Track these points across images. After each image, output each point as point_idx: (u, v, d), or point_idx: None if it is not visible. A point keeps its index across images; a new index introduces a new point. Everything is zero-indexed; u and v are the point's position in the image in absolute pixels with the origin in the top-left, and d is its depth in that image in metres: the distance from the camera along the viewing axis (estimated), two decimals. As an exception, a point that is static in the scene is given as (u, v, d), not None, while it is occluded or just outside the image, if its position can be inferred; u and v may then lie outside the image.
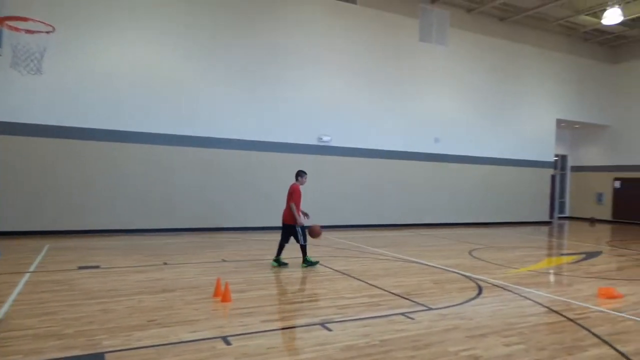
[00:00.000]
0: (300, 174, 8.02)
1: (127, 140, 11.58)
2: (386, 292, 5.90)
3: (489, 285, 6.49)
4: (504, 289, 6.24)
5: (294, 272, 7.08)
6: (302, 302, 5.33)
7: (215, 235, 11.71)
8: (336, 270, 7.32)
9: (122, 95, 11.49)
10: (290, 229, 7.66)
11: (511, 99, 17.86)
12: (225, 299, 5.26)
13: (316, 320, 4.62)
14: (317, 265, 7.63)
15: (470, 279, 6.87)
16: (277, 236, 11.87)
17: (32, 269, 6.89)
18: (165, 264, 7.58)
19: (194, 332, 4.18)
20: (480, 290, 6.16)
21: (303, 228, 7.66)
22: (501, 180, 17.57)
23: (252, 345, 3.86)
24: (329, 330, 4.31)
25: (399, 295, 5.75)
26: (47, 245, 9.21)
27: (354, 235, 12.74)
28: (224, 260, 8.04)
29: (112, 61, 11.42)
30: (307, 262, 7.59)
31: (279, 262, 7.61)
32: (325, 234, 12.52)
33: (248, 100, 13.06)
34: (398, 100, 15.40)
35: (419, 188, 15.68)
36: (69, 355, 3.56)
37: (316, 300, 5.40)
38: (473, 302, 5.54)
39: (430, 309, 5.17)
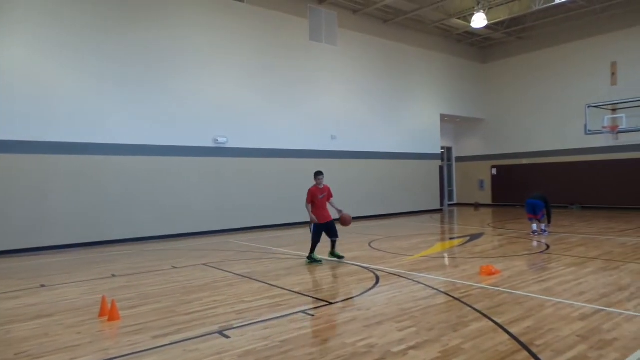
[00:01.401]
0: (314, 175, 8.22)
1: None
2: (287, 292, 5.87)
3: (386, 274, 6.78)
4: (400, 277, 6.56)
5: (192, 281, 6.75)
6: (198, 311, 5.07)
7: (104, 250, 10.77)
8: (237, 275, 7.13)
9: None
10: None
11: (399, 96, 19.00)
12: (112, 317, 4.82)
13: (214, 328, 4.42)
14: (321, 263, 7.91)
15: (369, 270, 7.13)
16: (173, 245, 11.34)
17: None
18: (42, 286, 6.76)
19: (74, 359, 3.75)
20: (377, 279, 6.41)
21: (316, 226, 8.04)
22: (395, 173, 18.62)
23: (141, 365, 3.57)
24: (227, 337, 4.15)
25: (299, 293, 5.75)
26: None
27: (258, 237, 12.58)
28: (113, 275, 7.40)
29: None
30: (311, 259, 7.96)
31: (314, 259, 7.99)
32: (226, 238, 12.26)
33: (135, 103, 12.19)
34: (293, 99, 15.53)
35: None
36: None
37: (214, 308, 5.18)
38: (370, 292, 5.74)
39: (330, 303, 5.24)
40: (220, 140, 13.70)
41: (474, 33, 20.57)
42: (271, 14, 15.06)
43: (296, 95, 15.61)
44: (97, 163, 11.53)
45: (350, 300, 5.38)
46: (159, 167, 12.52)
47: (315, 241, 8.02)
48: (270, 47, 14.99)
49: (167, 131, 12.70)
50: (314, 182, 8.17)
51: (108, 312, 4.90)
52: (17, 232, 10.38)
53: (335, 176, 16.46)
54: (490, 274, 6.43)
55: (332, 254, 8.21)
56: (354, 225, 14.85)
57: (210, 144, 13.59)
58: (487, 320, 4.40)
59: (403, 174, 18.91)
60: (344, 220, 8.31)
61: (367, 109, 17.79)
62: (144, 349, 3.95)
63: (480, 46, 22.61)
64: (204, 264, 8.20)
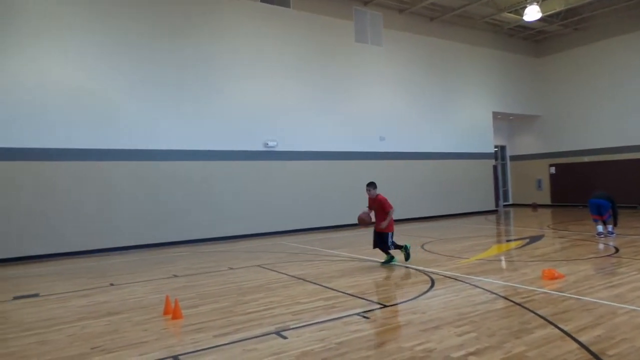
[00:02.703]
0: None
1: (56, 158, 10.89)
2: (341, 294, 5.89)
3: (441, 277, 6.65)
4: (456, 280, 6.41)
5: (248, 282, 6.93)
6: (255, 311, 5.20)
7: (164, 251, 11.29)
8: (291, 276, 7.24)
9: (43, 111, 10.78)
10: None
11: (449, 95, 18.55)
12: (175, 316, 5.05)
13: (271, 329, 4.52)
14: (392, 263, 7.93)
15: (423, 273, 7.01)
16: (227, 246, 11.69)
17: (-42, 304, 6.31)
18: (111, 285, 7.19)
19: (143, 354, 3.97)
20: (432, 283, 6.29)
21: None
22: (447, 173, 18.18)
23: (205, 363, 3.72)
24: (284, 338, 4.23)
25: (354, 296, 5.76)
26: None
27: (308, 238, 12.71)
28: (174, 276, 7.74)
29: (30, 75, 10.73)
30: (401, 249, 8.05)
31: (390, 260, 8.00)
32: (278, 240, 12.49)
33: (187, 110, 12.71)
34: (341, 101, 15.57)
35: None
36: (0, 395, 3.26)
37: (271, 309, 5.30)
38: (426, 295, 5.65)
39: (385, 306, 5.21)
40: (270, 143, 13.98)
41: (526, 27, 19.72)
42: (316, 18, 15.20)
43: (344, 97, 15.65)
44: (154, 168, 12.11)
45: (405, 303, 5.32)
46: (212, 171, 12.96)
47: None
48: (316, 50, 15.13)
49: (220, 136, 13.13)
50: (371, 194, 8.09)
51: (172, 311, 5.14)
52: (86, 234, 11.10)
53: (384, 177, 16.32)
54: (553, 278, 6.13)
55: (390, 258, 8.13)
56: (405, 227, 14.72)
57: (261, 148, 13.90)
58: (552, 327, 4.21)
59: (455, 174, 18.43)
60: (359, 220, 7.99)
61: (415, 109, 17.52)
62: (205, 347, 4.10)
63: (533, 40, 21.63)
64: (258, 266, 8.39)
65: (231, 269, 8.24)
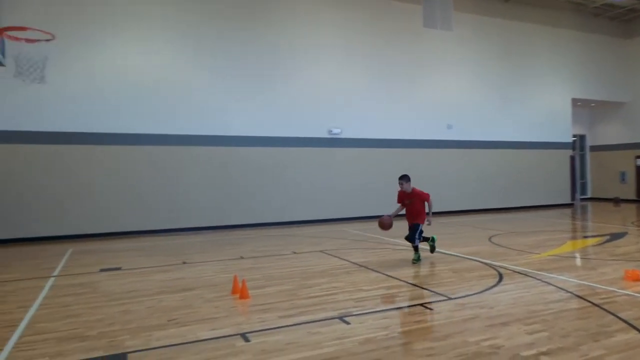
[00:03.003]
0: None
1: (137, 142, 11.70)
2: (404, 283, 5.85)
3: (510, 272, 6.38)
4: (526, 275, 6.13)
5: (312, 267, 7.08)
6: (319, 296, 5.32)
7: (231, 233, 11.80)
8: (353, 263, 7.30)
9: (126, 98, 11.60)
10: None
11: (524, 80, 17.50)
12: (243, 295, 5.29)
13: (334, 314, 4.61)
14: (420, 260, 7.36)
15: (491, 266, 6.77)
16: (291, 231, 11.97)
17: (56, 273, 7.04)
18: (184, 263, 7.66)
19: (213, 330, 4.21)
20: (500, 277, 6.07)
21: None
22: (519, 163, 17.28)
23: (271, 342, 3.87)
24: (347, 323, 4.29)
25: (417, 286, 5.70)
26: (70, 249, 9.41)
27: (371, 226, 12.67)
28: (241, 257, 8.09)
29: (113, 65, 11.53)
30: (428, 240, 7.67)
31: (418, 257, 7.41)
32: (340, 227, 12.58)
33: (255, 97, 13.07)
34: (408, 88, 15.24)
35: (433, 176, 15.51)
36: (93, 356, 3.62)
37: (333, 294, 5.39)
38: (493, 290, 5.46)
39: (450, 298, 5.11)
40: (335, 131, 14.03)
41: (614, 5, 18.01)
42: (383, 3, 14.91)
43: (410, 84, 15.30)
44: (225, 154, 12.63)
45: (471, 296, 5.18)
46: (278, 157, 13.28)
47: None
48: (383, 36, 14.88)
49: (286, 123, 13.40)
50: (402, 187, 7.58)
51: (239, 291, 5.39)
52: (161, 215, 11.88)
53: (450, 167, 15.87)
54: (638, 279, 5.67)
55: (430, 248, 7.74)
56: (472, 218, 14.24)
57: (325, 135, 14.00)
58: (636, 332, 3.91)
59: (527, 164, 17.46)
60: (382, 224, 7.49)
61: (486, 95, 16.73)
62: (271, 327, 4.27)
63: (622, 19, 19.70)
64: (321, 251, 8.54)
65: (295, 253, 8.45)
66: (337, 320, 4.41)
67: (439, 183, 15.55)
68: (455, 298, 5.11)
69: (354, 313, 4.62)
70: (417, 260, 7.29)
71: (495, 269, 6.57)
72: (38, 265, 7.67)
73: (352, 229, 12.18)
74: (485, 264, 7.00)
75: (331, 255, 8.11)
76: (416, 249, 7.43)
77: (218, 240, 10.40)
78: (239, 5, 12.95)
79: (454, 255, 7.84)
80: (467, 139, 16.26)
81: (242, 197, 12.79)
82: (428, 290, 5.50)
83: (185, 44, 12.27)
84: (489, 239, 9.66)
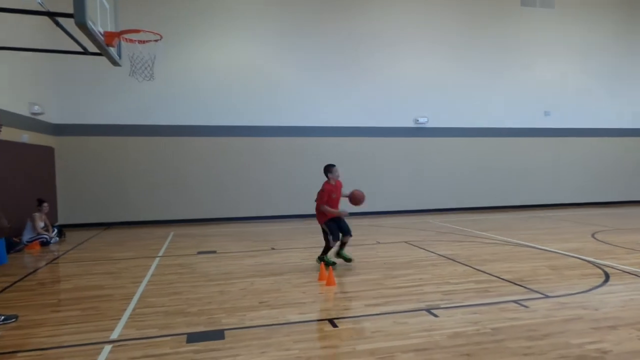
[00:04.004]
0: (329, 170, 6.78)
1: (230, 134, 12.35)
2: (495, 278, 5.58)
3: (618, 271, 5.80)
4: (637, 277, 5.53)
5: (396, 258, 7.02)
6: (405, 287, 5.26)
7: (316, 222, 12.02)
8: (440, 255, 7.10)
9: (218, 93, 12.26)
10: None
11: (637, 60, 15.58)
12: (329, 282, 5.41)
13: (421, 305, 4.54)
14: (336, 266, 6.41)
15: (595, 265, 6.21)
16: (374, 221, 11.93)
17: (160, 253, 7.74)
18: (272, 249, 8.00)
19: (302, 314, 4.36)
20: (607, 277, 5.54)
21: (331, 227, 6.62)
22: (628, 153, 15.53)
23: (358, 329, 3.92)
24: (435, 316, 4.21)
25: (510, 282, 5.40)
26: (172, 232, 10.28)
27: (456, 218, 12.23)
28: (326, 246, 8.23)
29: (211, 61, 12.23)
30: (322, 259, 6.43)
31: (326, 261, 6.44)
32: (424, 218, 12.27)
33: (340, 87, 13.13)
34: (500, 73, 14.34)
35: (528, 166, 14.52)
36: (195, 330, 3.94)
37: (420, 286, 5.30)
38: (599, 290, 5.00)
39: (547, 296, 4.78)
40: (421, 120, 13.67)
41: None
42: (476, -17, 14.12)
43: (504, 68, 14.38)
44: (310, 144, 12.89)
45: (572, 296, 4.80)
46: (362, 147, 13.26)
47: (336, 237, 6.49)
48: (475, 18, 14.12)
49: (371, 113, 13.32)
50: (327, 179, 6.73)
51: (326, 278, 5.51)
52: (249, 203, 12.48)
53: (548, 157, 14.75)
54: None
55: (340, 254, 6.62)
56: (571, 212, 13.11)
57: (411, 124, 13.71)
58: None
59: (636, 153, 15.62)
60: (355, 198, 6.53)
61: (590, 78, 15.19)
62: (358, 314, 4.32)
63: None
64: (406, 242, 8.42)
65: (379, 243, 8.43)
66: (424, 312, 4.34)
67: (533, 174, 14.52)
68: (554, 297, 4.77)
69: (442, 306, 4.51)
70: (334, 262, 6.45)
71: (600, 268, 6.01)
72: (146, 246, 8.48)
73: (437, 220, 11.84)
74: (588, 262, 6.43)
75: (416, 246, 7.97)
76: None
77: (303, 229, 10.69)
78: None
79: (552, 251, 7.29)
80: (567, 127, 14.93)
81: (326, 186, 12.99)
82: (522, 286, 5.19)
83: (273, 38, 12.67)
84: (592, 235, 8.84)
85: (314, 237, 9.34)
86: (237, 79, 12.39)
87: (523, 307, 4.43)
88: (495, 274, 5.77)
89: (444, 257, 6.98)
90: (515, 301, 4.63)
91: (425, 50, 13.78)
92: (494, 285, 5.29)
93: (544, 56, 14.75)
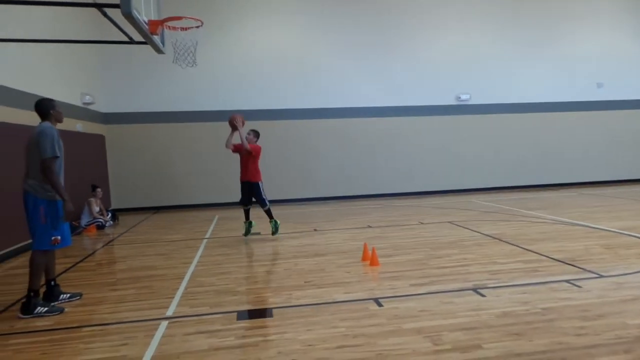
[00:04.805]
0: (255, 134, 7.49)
1: (273, 117, 12.45)
2: (545, 258, 5.42)
3: (680, 250, 5.49)
4: (702, 255, 5.21)
5: (440, 237, 6.94)
6: (450, 267, 5.21)
7: (357, 203, 12.06)
8: (485, 235, 6.96)
9: (259, 77, 12.33)
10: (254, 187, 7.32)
11: None
12: (373, 263, 5.43)
13: (467, 285, 4.49)
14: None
15: (653, 244, 5.90)
16: (416, 201, 11.79)
17: (207, 235, 8.02)
18: (315, 230, 8.10)
19: (347, 293, 4.42)
20: (667, 256, 5.25)
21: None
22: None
23: (403, 308, 3.93)
24: (482, 295, 4.15)
25: (560, 261, 5.23)
26: (216, 215, 10.59)
27: (502, 197, 11.89)
28: (369, 226, 8.25)
29: (252, 45, 12.31)
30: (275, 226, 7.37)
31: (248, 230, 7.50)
32: (467, 198, 12.01)
33: (378, 66, 12.91)
34: (547, 42, 13.65)
35: (578, 142, 13.83)
36: (244, 309, 4.08)
37: (465, 265, 5.23)
38: (658, 269, 4.76)
39: (602, 276, 4.60)
40: (463, 97, 13.26)
41: None
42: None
43: (549, 39, 13.66)
44: (349, 126, 12.83)
45: (629, 275, 4.59)
46: (402, 127, 13.06)
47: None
48: (519, -13, 13.42)
49: (410, 92, 13.05)
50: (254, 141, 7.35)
51: (369, 258, 5.54)
52: (290, 185, 12.63)
53: (600, 131, 14.00)
54: None
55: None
56: (628, 189, 12.40)
57: (452, 102, 13.34)
58: None
59: None
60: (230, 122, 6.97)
61: (648, 45, 14.17)
62: (403, 294, 4.33)
63: None
64: (449, 222, 8.30)
65: (422, 223, 8.35)
66: (470, 291, 4.29)
67: (583, 149, 13.83)
68: (609, 276, 4.58)
69: (489, 285, 4.44)
70: (276, 229, 7.31)
71: (660, 247, 5.70)
72: (193, 229, 8.80)
73: (481, 199, 11.56)
74: (647, 240, 6.11)
75: (460, 226, 7.83)
76: (270, 214, 7.32)
77: (344, 210, 10.74)
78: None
79: (606, 230, 6.98)
80: (622, 99, 14.06)
81: (367, 168, 12.94)
82: (574, 266, 5.02)
83: (311, 19, 12.58)
84: (651, 213, 8.38)
85: (355, 217, 9.38)
86: (276, 63, 12.42)
87: (576, 287, 4.29)
88: (544, 254, 5.60)
89: (490, 236, 6.83)
90: (567, 281, 4.48)
91: (466, 23, 13.27)
92: (543, 264, 5.14)
93: (592, 23, 13.86)
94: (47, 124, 4.24)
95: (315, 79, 12.64)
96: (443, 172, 13.34)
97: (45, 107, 4.27)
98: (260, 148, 7.37)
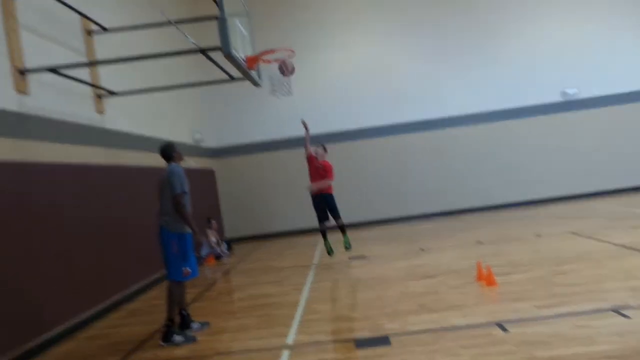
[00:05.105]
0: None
1: (366, 136, 12.51)
2: (701, 269, 4.67)
3: None
4: None
5: (563, 251, 6.35)
6: (579, 284, 4.72)
7: (462, 217, 11.55)
8: (617, 245, 6.21)
9: (348, 96, 12.47)
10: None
11: None
12: (489, 282, 5.12)
13: (604, 305, 4.02)
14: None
15: None
16: (528, 212, 10.93)
17: (315, 261, 8.22)
18: (421, 249, 7.89)
19: (466, 317, 4.21)
20: None
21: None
22: None
23: (531, 333, 3.64)
24: (626, 317, 3.69)
25: None
26: (320, 239, 10.81)
27: (630, 200, 10.56)
28: (479, 242, 7.84)
29: (341, 66, 12.58)
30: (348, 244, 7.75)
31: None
32: (587, 203, 10.83)
33: (470, 71, 12.40)
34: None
35: None
36: (361, 336, 4.08)
37: (598, 282, 4.70)
38: None
39: None
40: (570, 92, 12.15)
41: None
42: None
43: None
44: (444, 136, 12.41)
45: None
46: (501, 131, 12.31)
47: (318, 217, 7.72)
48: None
49: (507, 94, 12.31)
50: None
51: (485, 277, 5.23)
52: (389, 203, 12.47)
53: None
54: None
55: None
56: None
57: (557, 99, 12.29)
58: None
59: None
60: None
61: None
62: (528, 317, 4.01)
63: None
64: (571, 232, 7.56)
65: (539, 236, 7.72)
66: (610, 312, 3.84)
67: None
68: None
69: (632, 305, 3.94)
70: (350, 244, 7.71)
71: None
72: (300, 254, 9.10)
73: (605, 204, 10.38)
74: None
75: (584, 236, 7.09)
76: (344, 228, 7.80)
77: (449, 226, 10.33)
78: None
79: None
80: None
81: (467, 179, 12.35)
82: None
83: (396, 31, 12.52)
84: None
85: (462, 233, 8.98)
86: (365, 80, 12.50)
87: None
88: (698, 264, 4.84)
89: (623, 247, 6.08)
90: None
91: (568, 9, 12.23)
92: (699, 278, 4.44)
93: None
94: (174, 164, 4.81)
95: (404, 91, 12.48)
96: (556, 176, 12.23)
97: (168, 152, 4.87)
98: (332, 167, 7.72)
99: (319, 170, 7.63)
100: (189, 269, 4.62)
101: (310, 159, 7.74)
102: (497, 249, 7.08)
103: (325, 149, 7.81)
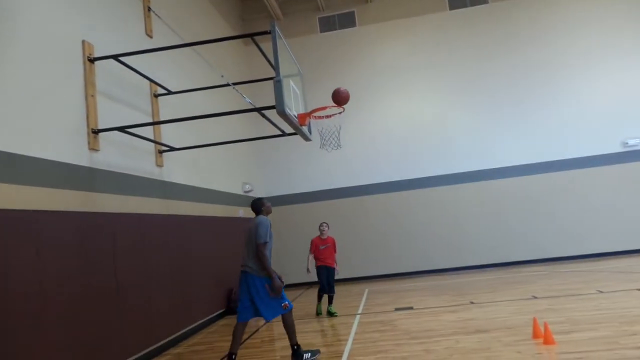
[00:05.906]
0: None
1: (415, 186, 12.44)
2: None
3: None
4: None
5: (630, 309, 5.85)
6: (652, 346, 4.31)
7: (516, 270, 10.99)
8: (694, 305, 5.65)
9: (402, 147, 12.60)
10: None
11: None
12: (547, 341, 4.78)
13: (682, 371, 3.64)
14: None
15: None
16: (588, 265, 10.24)
17: (359, 311, 8.03)
18: (472, 302, 7.54)
19: (521, 377, 3.94)
20: None
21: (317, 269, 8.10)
22: None
23: (597, 399, 3.34)
24: None
25: None
26: (367, 289, 10.61)
27: None
28: (534, 297, 7.39)
29: (390, 120, 12.80)
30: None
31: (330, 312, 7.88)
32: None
33: (524, 122, 12.20)
34: None
35: None
36: (407, 392, 3.90)
37: (674, 345, 4.28)
38: None
39: None
40: (631, 142, 11.63)
41: None
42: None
43: None
44: (496, 187, 12.10)
45: None
46: (557, 183, 11.87)
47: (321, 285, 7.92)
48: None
49: (562, 144, 11.97)
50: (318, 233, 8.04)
51: (542, 335, 4.90)
52: (439, 254, 12.12)
53: None
54: None
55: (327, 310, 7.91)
56: None
57: (617, 149, 11.77)
58: None
59: None
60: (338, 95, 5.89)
61: None
62: (593, 380, 3.69)
63: None
64: (638, 289, 6.98)
65: (601, 292, 7.18)
66: (690, 380, 3.47)
67: None
68: None
69: None
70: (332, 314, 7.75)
71: None
72: (345, 303, 8.91)
73: (680, 259, 9.55)
74: None
75: (655, 294, 6.53)
76: (332, 299, 7.97)
77: (504, 278, 9.84)
78: (497, 31, 12.67)
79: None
80: None
81: (521, 230, 11.84)
82: None
83: (443, 85, 12.72)
84: None
85: (516, 287, 8.52)
86: (411, 133, 12.64)
87: None
88: None
89: (701, 307, 5.52)
90: None
91: (623, 58, 11.95)
92: None
93: None
94: (262, 216, 5.34)
95: (455, 143, 12.43)
96: (618, 228, 11.49)
97: (258, 206, 5.47)
98: (335, 241, 8.24)
99: (325, 249, 8.09)
100: (287, 303, 5.11)
101: (315, 248, 8.14)
102: (555, 305, 6.63)
103: (327, 225, 8.27)
